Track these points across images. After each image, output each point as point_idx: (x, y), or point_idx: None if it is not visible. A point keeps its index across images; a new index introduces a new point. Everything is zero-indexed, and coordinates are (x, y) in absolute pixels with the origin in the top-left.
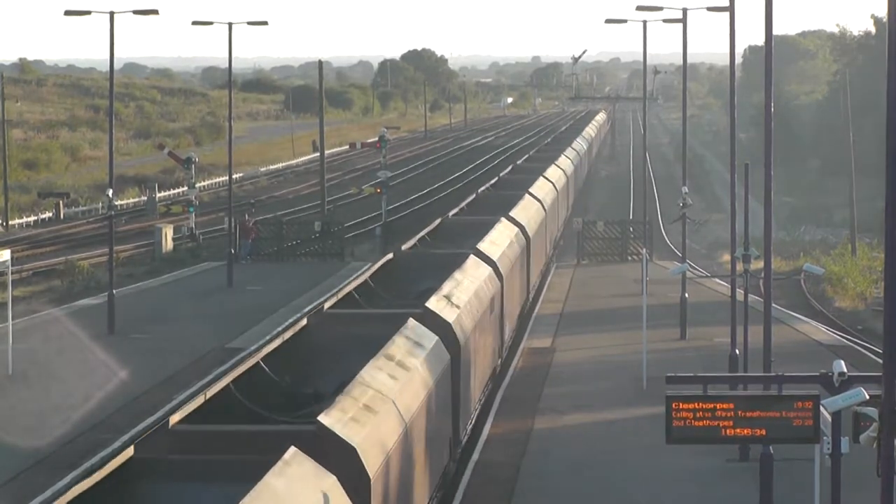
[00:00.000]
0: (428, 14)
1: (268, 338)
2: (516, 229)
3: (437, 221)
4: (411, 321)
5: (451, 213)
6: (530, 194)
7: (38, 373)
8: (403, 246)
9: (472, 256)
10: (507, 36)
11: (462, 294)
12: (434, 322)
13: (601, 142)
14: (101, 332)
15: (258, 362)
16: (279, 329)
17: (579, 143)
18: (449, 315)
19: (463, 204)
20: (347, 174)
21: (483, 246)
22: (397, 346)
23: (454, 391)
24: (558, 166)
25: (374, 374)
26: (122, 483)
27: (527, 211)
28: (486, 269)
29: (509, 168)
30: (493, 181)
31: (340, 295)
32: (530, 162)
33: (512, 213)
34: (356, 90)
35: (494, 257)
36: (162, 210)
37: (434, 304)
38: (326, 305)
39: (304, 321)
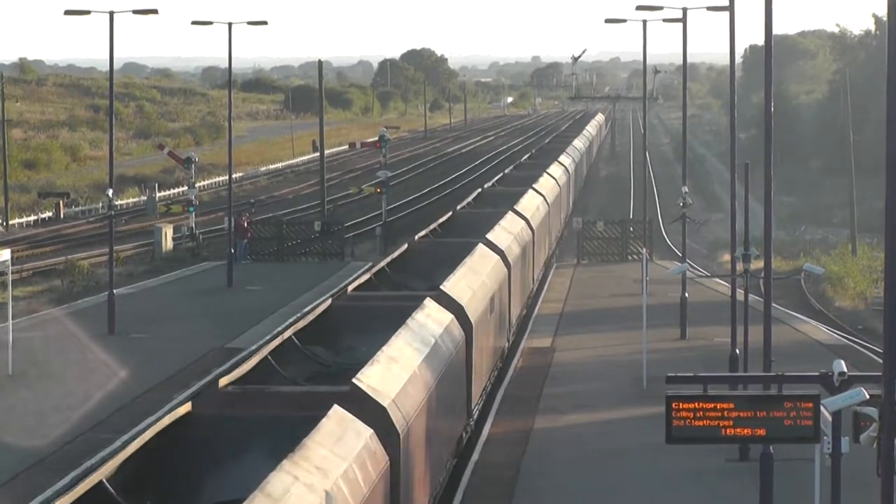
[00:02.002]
0: (428, 14)
1: (297, 316)
2: (522, 222)
3: (448, 214)
4: (429, 301)
5: (459, 207)
6: (534, 189)
7: (38, 373)
8: (416, 236)
9: (481, 245)
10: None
11: (473, 278)
12: (448, 303)
13: (599, 145)
14: (101, 331)
15: (290, 337)
16: (307, 309)
17: (579, 143)
18: (462, 296)
19: (470, 198)
20: (347, 174)
21: (491, 236)
22: (417, 322)
23: (468, 364)
24: (560, 163)
25: (399, 347)
26: (180, 435)
27: (531, 205)
28: (495, 257)
29: (513, 165)
30: (498, 177)
31: (361, 280)
32: (533, 159)
33: (517, 207)
34: (356, 90)
35: (502, 246)
36: (162, 210)
37: (448, 286)
38: (349, 288)
39: (330, 301)
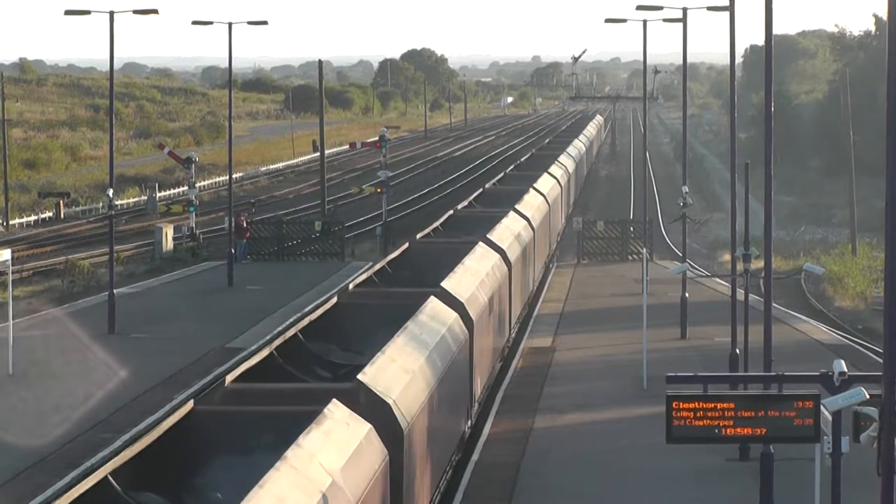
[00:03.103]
0: (428, 14)
1: (302, 313)
2: (523, 221)
3: (449, 213)
4: (432, 298)
5: (460, 206)
6: (535, 189)
7: (38, 372)
8: (418, 235)
9: (481, 244)
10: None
11: (473, 277)
12: (450, 301)
13: (599, 146)
14: (101, 331)
15: (296, 334)
16: (311, 306)
17: (580, 143)
18: (463, 295)
19: (471, 198)
20: (347, 174)
21: (492, 235)
22: (420, 320)
23: (470, 361)
24: (560, 163)
25: (402, 344)
26: (184, 432)
27: (532, 204)
28: (495, 256)
29: (514, 165)
30: (499, 177)
31: (362, 278)
32: (533, 160)
33: (518, 206)
34: (356, 90)
35: (503, 246)
36: (162, 209)
37: (450, 285)
38: (351, 286)
39: (335, 299)
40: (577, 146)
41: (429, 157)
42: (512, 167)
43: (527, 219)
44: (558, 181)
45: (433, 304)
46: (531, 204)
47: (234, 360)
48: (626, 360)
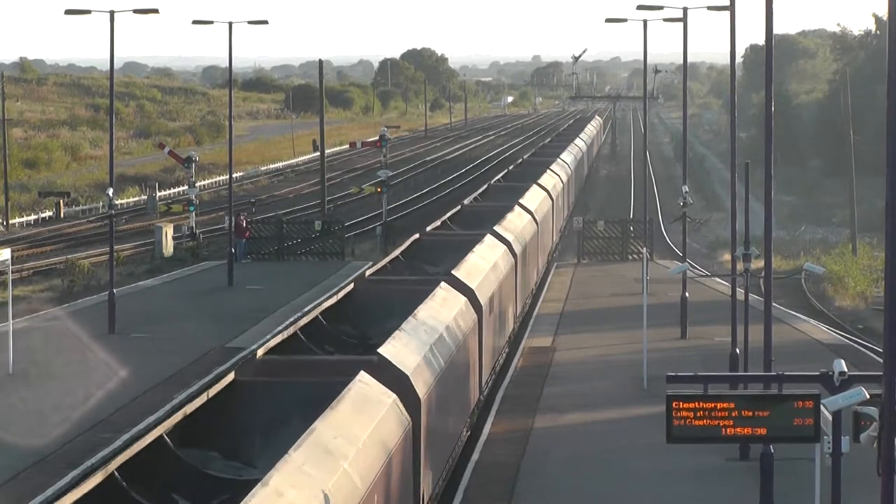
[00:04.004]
0: (428, 13)
1: (323, 298)
2: (527, 215)
3: (457, 207)
4: (443, 284)
5: (468, 200)
6: (538, 185)
7: (38, 372)
8: (427, 228)
9: (489, 236)
10: (508, 35)
11: (482, 265)
12: (460, 286)
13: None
14: (101, 331)
15: (318, 316)
16: (331, 292)
17: (580, 142)
18: (472, 281)
19: (477, 193)
20: (348, 173)
21: (499, 228)
22: (433, 303)
23: (479, 342)
24: (563, 160)
25: (418, 324)
26: (227, 399)
27: (535, 199)
28: (502, 247)
29: (518, 161)
30: (503, 173)
31: (376, 267)
32: (536, 157)
33: (522, 201)
34: (356, 89)
35: (509, 237)
36: (162, 209)
37: (460, 272)
38: (367, 273)
39: (352, 285)
40: (578, 145)
41: (428, 158)
42: (514, 165)
43: (531, 213)
44: (560, 178)
45: (444, 289)
46: (535, 199)
47: (268, 338)
48: (626, 359)
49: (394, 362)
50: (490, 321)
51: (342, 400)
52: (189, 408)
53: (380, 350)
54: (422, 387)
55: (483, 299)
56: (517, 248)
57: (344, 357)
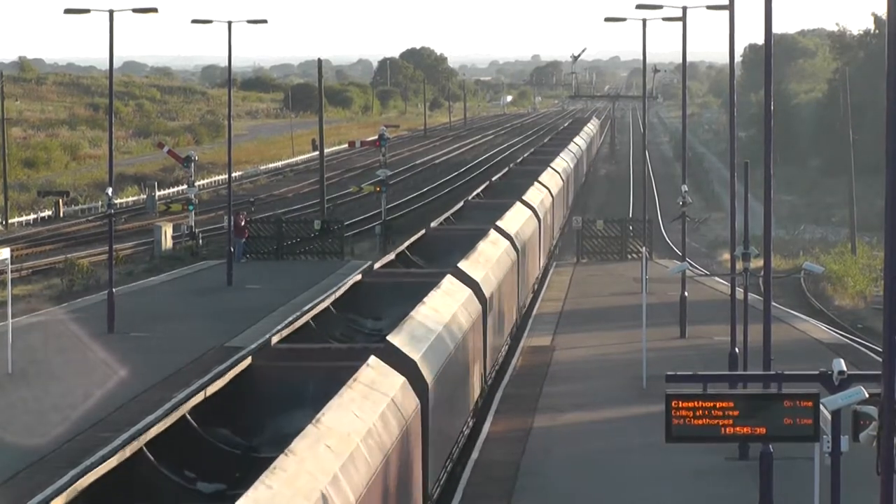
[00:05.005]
0: (427, 13)
1: (334, 289)
2: (529, 211)
3: (461, 204)
4: (449, 276)
5: (471, 197)
6: (539, 182)
7: (37, 371)
8: (432, 223)
9: (492, 231)
10: (507, 34)
11: (486, 260)
12: (465, 279)
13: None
14: (100, 330)
15: (328, 306)
16: (342, 283)
17: (580, 141)
18: (477, 275)
19: (479, 189)
20: (347, 173)
21: (501, 223)
22: (439, 294)
23: (483, 332)
24: (563, 158)
25: (425, 313)
26: (242, 386)
27: (536, 196)
28: (505, 242)
29: (519, 160)
30: (503, 171)
31: (385, 261)
32: (536, 155)
33: (524, 198)
34: (356, 88)
35: (511, 233)
36: (161, 208)
37: (464, 266)
38: (375, 266)
39: (360, 277)
40: (578, 144)
41: (427, 158)
42: (515, 163)
43: (533, 209)
44: (560, 176)
45: (450, 281)
46: (536, 196)
47: (282, 326)
48: (626, 359)
49: (402, 349)
50: (493, 313)
51: (355, 381)
52: (210, 389)
53: (388, 337)
54: (429, 372)
55: (487, 292)
56: (519, 243)
57: (354, 344)
